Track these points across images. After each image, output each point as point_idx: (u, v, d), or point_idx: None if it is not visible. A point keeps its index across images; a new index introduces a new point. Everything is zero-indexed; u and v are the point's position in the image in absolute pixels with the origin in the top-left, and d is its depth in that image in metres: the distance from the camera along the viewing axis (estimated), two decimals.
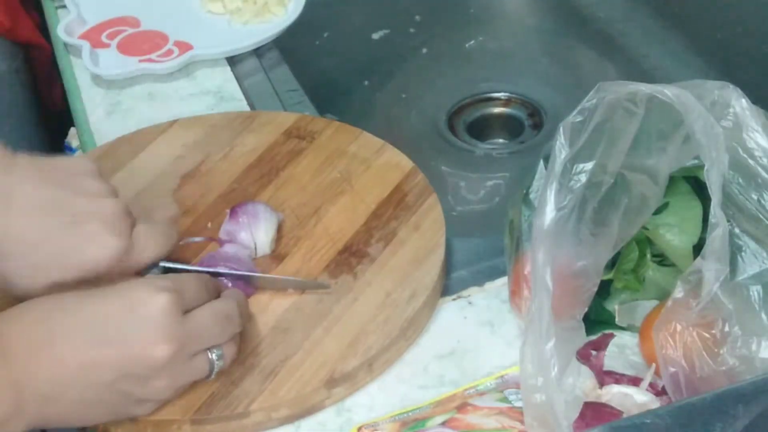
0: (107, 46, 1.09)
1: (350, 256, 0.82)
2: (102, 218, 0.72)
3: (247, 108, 1.02)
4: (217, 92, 1.05)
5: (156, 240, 0.75)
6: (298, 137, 0.93)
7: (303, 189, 0.88)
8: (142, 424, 0.72)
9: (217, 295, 0.75)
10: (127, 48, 1.09)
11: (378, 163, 0.90)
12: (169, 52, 1.08)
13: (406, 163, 0.90)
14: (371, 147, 0.91)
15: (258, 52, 1.10)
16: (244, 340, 0.75)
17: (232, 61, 1.09)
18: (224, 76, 1.07)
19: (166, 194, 0.89)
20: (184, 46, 1.08)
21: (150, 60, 1.07)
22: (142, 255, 0.74)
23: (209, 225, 0.85)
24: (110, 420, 0.71)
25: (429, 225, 0.84)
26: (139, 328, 0.67)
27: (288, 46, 1.12)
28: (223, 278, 0.79)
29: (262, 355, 0.75)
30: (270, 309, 0.79)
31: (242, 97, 1.04)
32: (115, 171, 0.91)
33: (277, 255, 0.83)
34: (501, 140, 1.18)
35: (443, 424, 0.69)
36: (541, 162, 0.75)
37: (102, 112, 1.03)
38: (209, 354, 0.71)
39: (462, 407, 0.71)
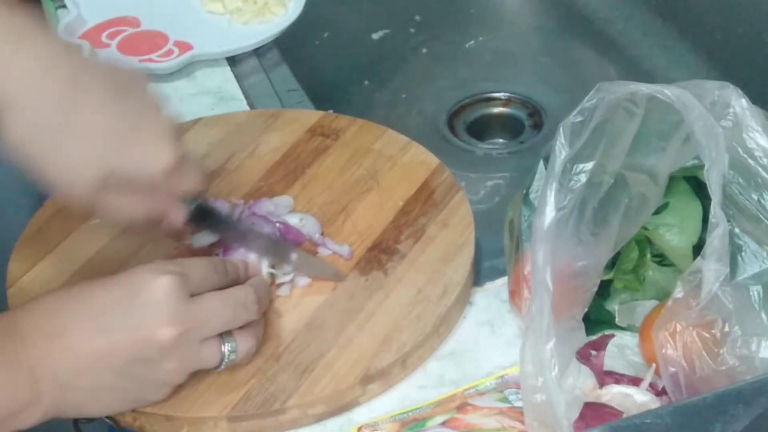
0: (107, 46, 1.09)
1: (380, 253, 0.82)
2: (160, 131, 0.72)
3: (247, 108, 1.02)
4: (217, 92, 1.05)
5: (195, 173, 0.76)
6: (322, 135, 0.93)
7: (329, 187, 0.88)
8: (178, 421, 0.72)
9: (235, 280, 0.75)
10: (127, 48, 1.09)
11: (403, 160, 0.90)
12: (169, 52, 1.08)
13: (432, 160, 0.90)
14: (396, 144, 0.92)
15: (258, 52, 1.10)
16: (277, 336, 0.76)
17: (232, 61, 1.09)
18: (224, 76, 1.07)
19: None
20: (184, 46, 1.08)
21: (150, 60, 1.07)
22: (185, 182, 0.75)
23: None
24: (128, 407, 0.71)
25: (458, 221, 0.84)
26: (144, 312, 0.68)
27: (288, 46, 1.12)
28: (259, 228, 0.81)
29: (296, 352, 0.75)
30: (302, 306, 0.79)
31: (242, 97, 1.04)
32: None
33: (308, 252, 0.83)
34: (501, 140, 1.18)
35: (443, 424, 0.69)
36: (541, 162, 0.75)
37: None
38: (221, 344, 0.71)
39: (462, 407, 0.71)
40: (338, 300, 0.79)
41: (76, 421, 0.73)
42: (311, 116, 0.96)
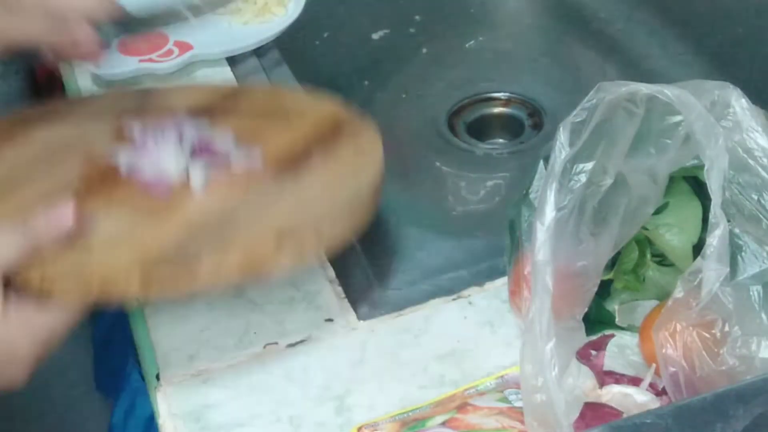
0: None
1: (291, 165, 0.82)
2: None
3: None
4: None
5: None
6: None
7: (247, 121, 0.88)
8: (88, 279, 0.70)
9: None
10: (127, 48, 1.09)
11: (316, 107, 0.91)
12: (169, 52, 1.08)
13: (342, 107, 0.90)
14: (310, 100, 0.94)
15: (258, 52, 1.10)
16: (199, 212, 0.76)
17: (233, 61, 1.09)
18: (224, 76, 1.07)
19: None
20: (184, 46, 1.08)
21: (150, 60, 1.07)
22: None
23: None
24: None
25: (366, 140, 0.85)
26: None
27: (288, 46, 1.13)
28: None
29: (215, 225, 0.75)
30: (215, 204, 0.78)
31: None
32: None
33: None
34: (501, 140, 1.18)
35: (443, 424, 0.69)
36: (541, 162, 0.75)
37: None
38: None
39: (462, 407, 0.71)
40: (253, 198, 0.79)
41: None
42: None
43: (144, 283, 0.70)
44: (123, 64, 1.07)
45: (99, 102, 0.97)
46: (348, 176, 0.81)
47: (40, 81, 1.36)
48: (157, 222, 0.76)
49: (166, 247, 0.72)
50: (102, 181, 0.81)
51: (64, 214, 0.72)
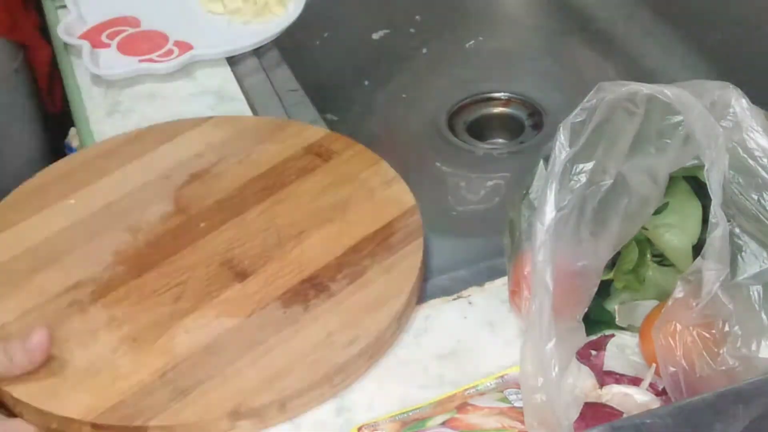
0: (107, 46, 1.09)
1: (310, 288, 0.79)
2: None
3: (247, 108, 1.02)
4: (218, 92, 1.05)
5: None
6: (316, 154, 0.92)
7: (297, 208, 0.87)
8: (48, 416, 0.72)
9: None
10: (127, 48, 1.09)
11: (381, 195, 0.87)
12: (169, 52, 1.08)
13: (408, 200, 0.86)
14: (382, 177, 0.89)
15: (258, 52, 1.10)
16: (173, 353, 0.75)
17: (233, 61, 1.09)
18: (224, 76, 1.07)
19: (168, 190, 0.89)
20: (184, 46, 1.08)
21: (150, 60, 1.07)
22: None
23: (201, 225, 0.86)
24: None
25: (401, 270, 0.80)
26: None
27: (288, 46, 1.13)
28: None
29: (182, 373, 0.73)
30: (210, 327, 0.77)
31: (242, 97, 1.04)
32: (135, 157, 0.93)
33: (241, 271, 0.81)
34: (501, 140, 1.18)
35: (443, 424, 0.69)
36: (541, 162, 0.75)
37: (102, 113, 1.03)
38: None
39: (462, 407, 0.71)
40: (248, 328, 0.77)
41: None
42: (315, 133, 0.95)
43: None
44: (123, 64, 1.07)
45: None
46: (356, 323, 0.76)
47: (40, 80, 1.36)
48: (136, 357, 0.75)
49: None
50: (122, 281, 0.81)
51: (39, 345, 0.74)
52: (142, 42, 1.10)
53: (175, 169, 0.92)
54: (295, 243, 0.83)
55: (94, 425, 0.71)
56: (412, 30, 1.28)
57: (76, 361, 0.75)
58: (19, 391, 0.73)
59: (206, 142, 0.94)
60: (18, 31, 1.29)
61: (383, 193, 0.87)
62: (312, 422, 0.73)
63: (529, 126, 1.16)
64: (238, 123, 0.97)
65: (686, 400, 0.59)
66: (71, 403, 0.72)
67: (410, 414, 0.72)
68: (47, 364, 0.74)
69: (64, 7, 1.16)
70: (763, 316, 0.65)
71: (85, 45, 1.08)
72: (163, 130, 0.96)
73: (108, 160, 0.94)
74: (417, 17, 1.28)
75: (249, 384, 0.73)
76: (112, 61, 1.08)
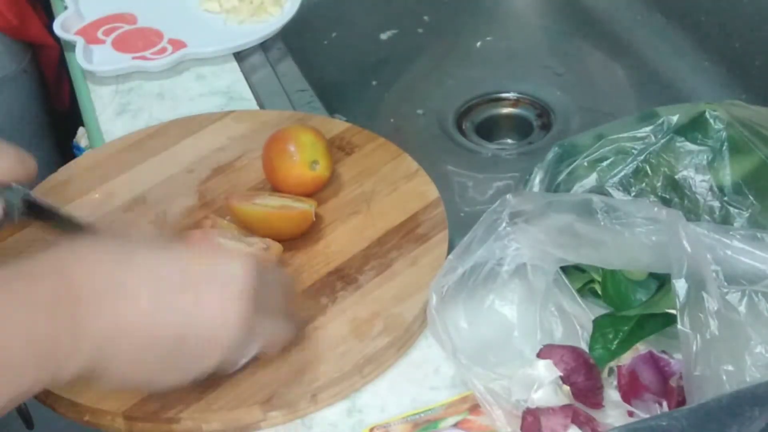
0: (102, 42, 1.09)
1: (337, 280, 0.80)
2: None
3: (256, 108, 1.02)
4: (227, 92, 1.05)
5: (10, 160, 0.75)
6: (338, 147, 0.92)
7: (322, 202, 0.87)
8: (81, 408, 0.73)
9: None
10: (122, 45, 1.09)
11: (404, 188, 0.87)
12: (163, 50, 1.08)
13: (432, 192, 0.87)
14: (404, 170, 0.89)
15: (267, 53, 1.10)
16: None
17: (242, 61, 1.08)
18: (234, 76, 1.07)
19: (192, 184, 0.90)
20: (177, 44, 1.08)
21: (143, 57, 1.07)
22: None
23: (227, 218, 0.85)
24: (149, 385, 0.70)
25: (428, 262, 0.81)
26: (211, 310, 0.66)
27: (296, 46, 1.12)
28: None
29: None
30: None
31: (252, 97, 1.04)
32: (158, 152, 0.93)
33: None
34: (509, 141, 1.18)
35: (455, 425, 0.69)
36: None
37: (111, 112, 1.03)
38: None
39: (474, 409, 0.71)
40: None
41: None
42: (336, 126, 0.95)
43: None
44: (116, 61, 1.07)
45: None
46: (384, 314, 0.77)
47: (48, 79, 1.36)
48: None
49: None
50: None
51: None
52: (137, 39, 1.10)
53: (198, 163, 0.92)
54: (320, 236, 0.84)
55: (126, 416, 0.72)
56: (420, 30, 1.28)
57: None
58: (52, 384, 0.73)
59: (228, 135, 0.95)
60: (26, 30, 1.29)
61: (406, 185, 0.88)
62: (324, 423, 0.73)
63: (537, 126, 1.16)
64: (259, 117, 0.97)
65: (702, 402, 0.59)
66: (104, 395, 0.72)
67: (422, 415, 0.72)
68: None
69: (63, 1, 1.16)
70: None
71: (80, 41, 1.08)
72: (185, 124, 0.97)
73: (131, 154, 0.94)
74: (425, 17, 1.28)
75: (280, 375, 0.73)
76: (105, 58, 1.07)
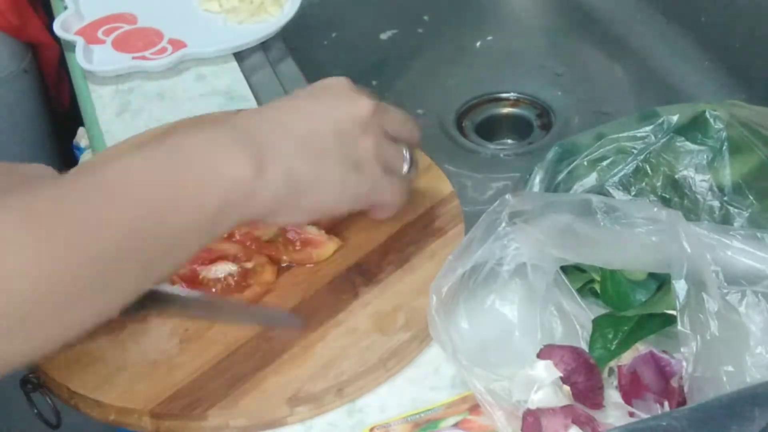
0: (103, 42, 1.09)
1: (357, 275, 0.80)
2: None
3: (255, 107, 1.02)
4: (227, 92, 1.05)
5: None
6: None
7: None
8: (106, 408, 0.73)
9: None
10: (121, 45, 1.09)
11: (419, 182, 0.87)
12: (163, 50, 1.08)
13: (445, 187, 0.87)
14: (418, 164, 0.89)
15: (267, 53, 1.10)
16: (227, 341, 0.76)
17: (242, 61, 1.09)
18: (234, 76, 1.07)
19: None
20: (177, 44, 1.08)
21: (143, 57, 1.07)
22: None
23: None
24: (335, 201, 0.76)
25: (445, 255, 0.79)
26: (347, 100, 0.78)
27: (296, 45, 1.12)
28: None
29: (237, 361, 0.74)
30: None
31: (252, 97, 1.04)
32: None
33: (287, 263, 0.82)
34: (509, 141, 1.18)
35: (456, 425, 0.69)
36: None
37: (111, 112, 1.03)
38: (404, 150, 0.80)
39: (474, 409, 0.71)
40: (300, 314, 0.78)
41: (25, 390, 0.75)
42: None
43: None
44: (116, 61, 1.07)
45: None
46: (406, 308, 0.77)
47: (48, 79, 1.36)
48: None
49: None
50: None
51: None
52: (137, 39, 1.10)
53: None
54: (337, 230, 0.84)
55: (153, 414, 0.72)
56: (420, 30, 1.28)
57: (131, 353, 0.76)
58: (76, 384, 0.74)
59: None
60: (26, 30, 1.29)
61: (421, 180, 0.88)
62: (324, 424, 0.73)
63: (537, 127, 1.16)
64: None
65: (702, 403, 0.59)
66: (129, 394, 0.73)
67: (422, 415, 0.72)
68: (101, 356, 0.75)
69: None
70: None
71: (79, 41, 1.08)
72: (194, 123, 0.96)
73: None
74: (425, 17, 1.28)
75: (305, 370, 0.73)
76: (105, 58, 1.07)
